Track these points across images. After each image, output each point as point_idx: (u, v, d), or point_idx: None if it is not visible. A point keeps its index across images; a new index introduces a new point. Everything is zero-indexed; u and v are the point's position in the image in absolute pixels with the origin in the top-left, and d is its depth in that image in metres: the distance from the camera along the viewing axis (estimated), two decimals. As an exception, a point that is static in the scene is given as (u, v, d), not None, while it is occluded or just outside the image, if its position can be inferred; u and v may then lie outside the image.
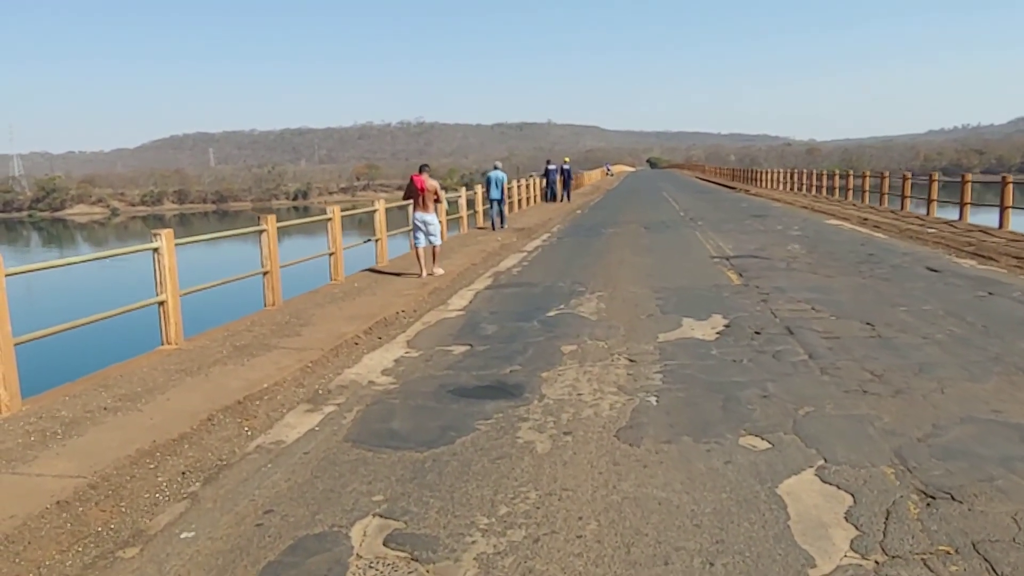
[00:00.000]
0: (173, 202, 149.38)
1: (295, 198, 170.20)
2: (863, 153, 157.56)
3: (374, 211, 14.82)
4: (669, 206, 32.89)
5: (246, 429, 6.04)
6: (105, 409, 6.24)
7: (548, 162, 38.05)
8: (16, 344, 6.14)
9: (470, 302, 11.44)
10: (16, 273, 6.23)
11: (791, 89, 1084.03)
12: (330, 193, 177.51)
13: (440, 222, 14.32)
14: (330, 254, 12.82)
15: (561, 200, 36.52)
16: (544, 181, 36.32)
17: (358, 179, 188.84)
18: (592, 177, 69.80)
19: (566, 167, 37.98)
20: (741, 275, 12.79)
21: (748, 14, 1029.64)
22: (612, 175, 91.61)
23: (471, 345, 8.61)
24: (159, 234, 8.04)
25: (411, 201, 13.73)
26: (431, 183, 13.46)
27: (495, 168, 22.58)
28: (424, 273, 13.44)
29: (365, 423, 6.11)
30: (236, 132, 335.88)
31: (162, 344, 8.30)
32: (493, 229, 22.45)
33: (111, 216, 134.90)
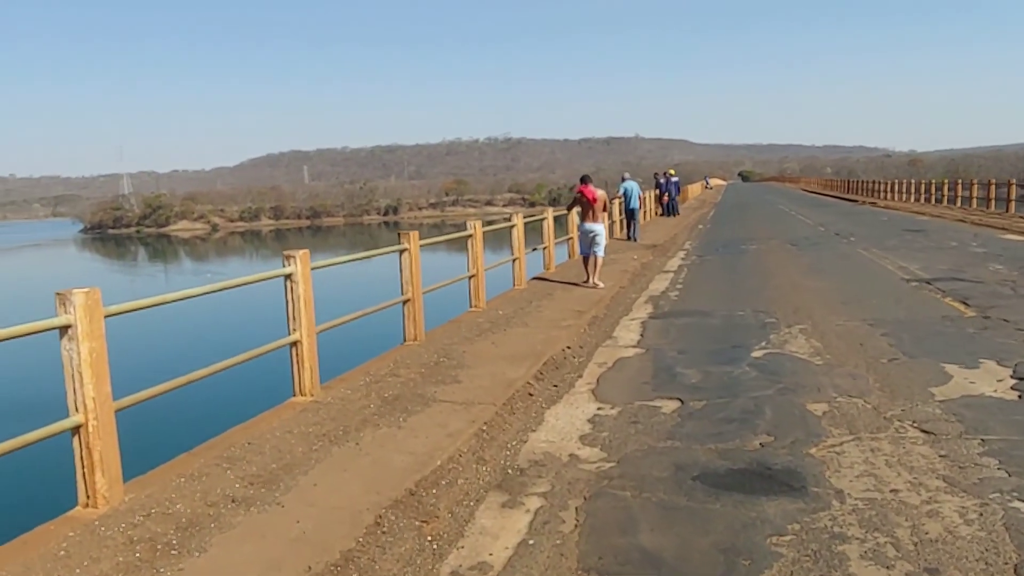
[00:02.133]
0: (269, 218, 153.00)
1: (386, 213, 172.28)
2: (970, 163, 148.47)
3: (511, 227, 13.07)
4: (798, 220, 30.21)
5: (429, 540, 4.23)
6: (233, 502, 4.53)
7: (660, 175, 35.67)
8: (117, 410, 4.50)
9: (642, 335, 9.47)
10: (116, 313, 4.60)
11: (889, 99, 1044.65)
12: (420, 208, 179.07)
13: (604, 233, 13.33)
14: (470, 277, 11.04)
15: (670, 214, 34.19)
16: (659, 195, 34.04)
17: (447, 194, 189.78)
18: (694, 191, 66.95)
19: (674, 180, 35.57)
20: (966, 303, 10.42)
21: (842, 24, 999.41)
22: (711, 188, 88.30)
23: (680, 400, 6.63)
24: (293, 256, 6.37)
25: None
26: (600, 193, 13.02)
27: (626, 179, 20.62)
28: (591, 281, 13.08)
29: (599, 535, 4.21)
30: (329, 150, 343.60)
31: (294, 395, 6.61)
32: (629, 239, 20.68)
33: (211, 232, 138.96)
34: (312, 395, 6.62)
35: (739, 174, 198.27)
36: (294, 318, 6.46)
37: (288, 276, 6.39)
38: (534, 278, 14.53)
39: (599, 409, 6.52)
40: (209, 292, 5.53)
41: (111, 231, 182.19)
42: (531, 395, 7.09)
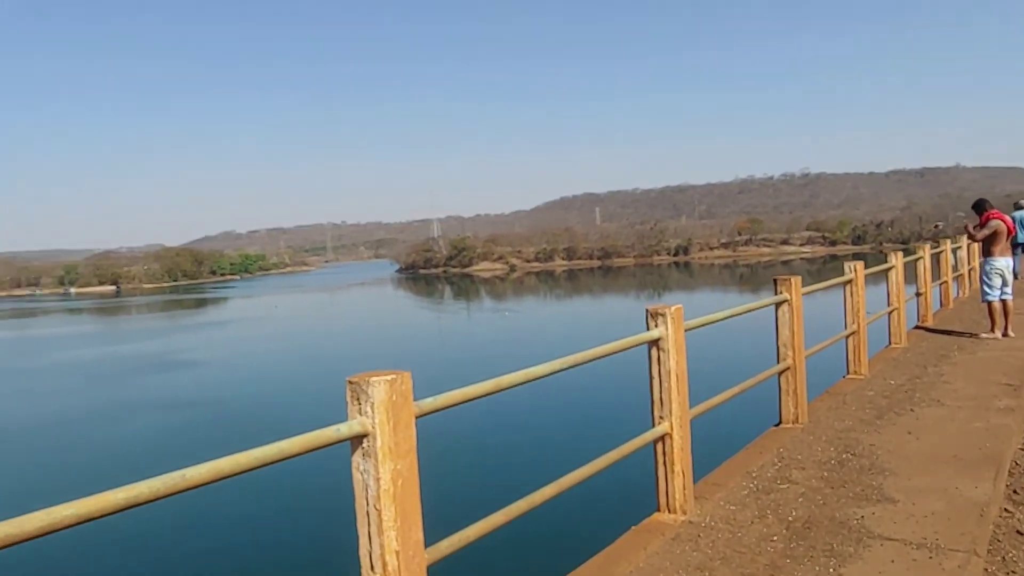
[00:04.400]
0: (562, 258, 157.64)
1: (676, 254, 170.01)
2: None
3: (917, 258, 10.49)
4: None
5: None
6: None
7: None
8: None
9: None
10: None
11: None
12: (711, 248, 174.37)
13: None
14: (849, 335, 8.48)
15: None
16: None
17: (739, 234, 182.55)
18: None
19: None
20: None
21: None
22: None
23: None
24: (663, 314, 4.46)
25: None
26: (1009, 220, 10.59)
27: (1022, 206, 16.50)
28: (999, 334, 10.44)
29: None
30: (620, 191, 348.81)
31: (659, 510, 4.64)
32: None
33: (509, 272, 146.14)
34: (684, 512, 4.61)
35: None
36: (661, 401, 4.53)
37: (655, 342, 4.49)
38: (913, 328, 11.55)
39: None
40: (567, 367, 3.80)
41: (422, 271, 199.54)
42: (1021, 533, 4.51)
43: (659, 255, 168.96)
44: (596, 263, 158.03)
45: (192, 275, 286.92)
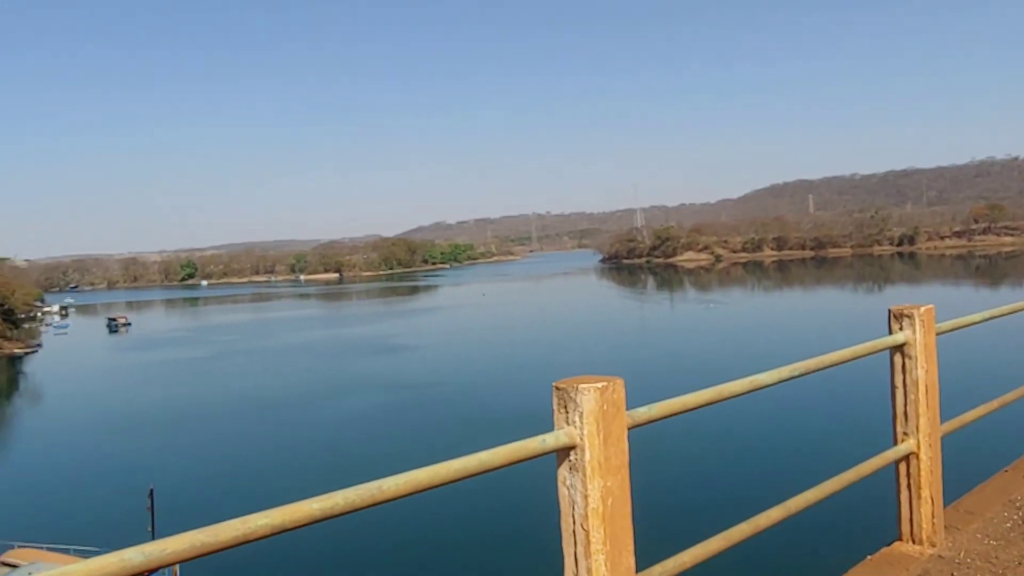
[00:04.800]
0: (771, 248, 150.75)
1: (899, 244, 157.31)
2: None
3: None
4: None
5: None
6: None
7: None
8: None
9: None
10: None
11: None
12: (941, 238, 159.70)
13: None
14: None
15: None
16: None
17: (976, 221, 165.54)
18: None
19: None
20: None
21: None
22: None
23: None
24: (909, 315, 3.87)
25: None
26: None
27: None
28: None
29: None
30: (836, 177, 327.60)
31: (900, 538, 4.06)
32: None
33: (715, 262, 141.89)
34: (932, 544, 3.99)
35: None
36: (906, 415, 3.94)
37: (899, 348, 3.91)
38: None
39: None
40: (797, 375, 3.37)
41: (624, 261, 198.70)
42: None
43: (880, 245, 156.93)
44: (809, 253, 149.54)
45: (406, 264, 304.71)
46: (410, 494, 2.00)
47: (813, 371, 3.49)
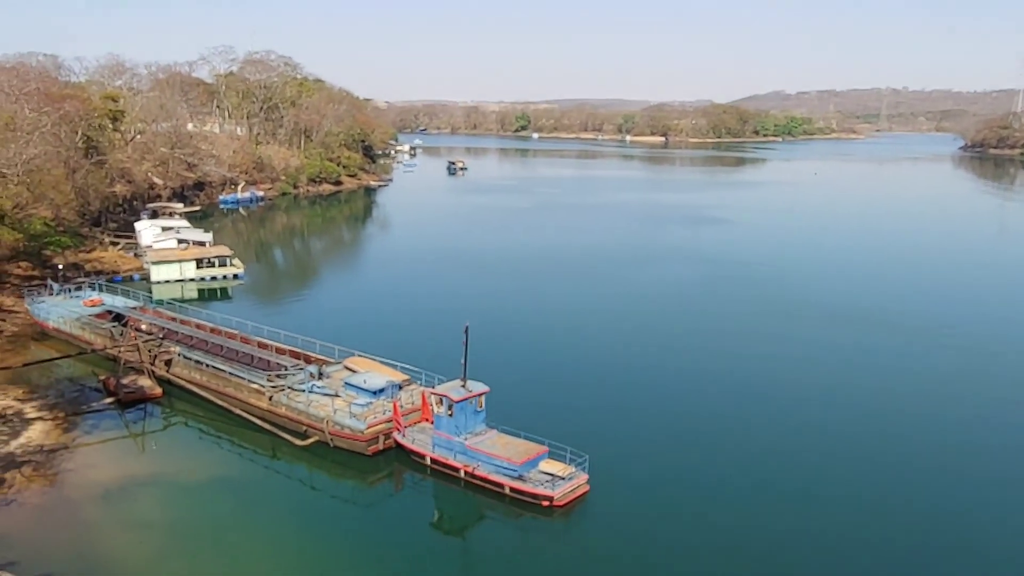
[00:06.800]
0: None
1: None
2: None
3: None
4: None
5: None
6: None
7: None
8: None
9: None
10: None
11: None
12: None
13: None
14: None
15: None
16: None
17: None
18: None
19: None
20: None
21: None
22: None
23: None
24: None
25: None
26: None
27: None
28: None
29: None
30: None
31: None
32: None
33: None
34: None
35: None
36: None
37: None
38: None
39: None
40: None
41: (992, 150, 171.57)
42: None
43: None
44: None
45: (735, 133, 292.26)
46: None
47: None
